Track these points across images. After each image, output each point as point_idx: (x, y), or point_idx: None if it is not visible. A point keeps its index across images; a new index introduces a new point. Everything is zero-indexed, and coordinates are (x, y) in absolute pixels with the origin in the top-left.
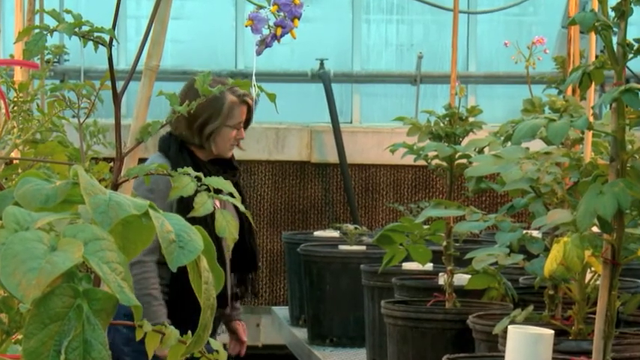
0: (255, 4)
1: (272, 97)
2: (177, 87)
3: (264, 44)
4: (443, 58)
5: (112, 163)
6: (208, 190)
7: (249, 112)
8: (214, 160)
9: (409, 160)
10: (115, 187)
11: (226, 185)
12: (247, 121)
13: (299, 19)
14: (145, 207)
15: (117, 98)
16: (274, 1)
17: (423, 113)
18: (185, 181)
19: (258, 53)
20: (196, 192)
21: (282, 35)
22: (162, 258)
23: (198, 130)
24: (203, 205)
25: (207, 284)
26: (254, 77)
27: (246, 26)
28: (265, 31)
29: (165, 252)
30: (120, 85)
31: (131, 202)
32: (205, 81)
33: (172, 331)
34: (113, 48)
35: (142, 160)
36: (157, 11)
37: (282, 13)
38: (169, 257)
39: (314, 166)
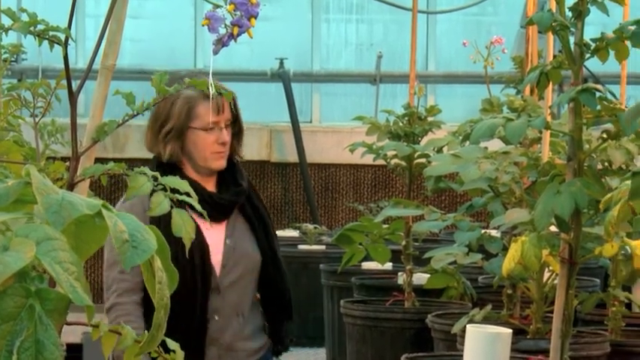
0: (212, 3)
1: (229, 96)
2: (135, 86)
3: (221, 43)
4: (402, 57)
5: (68, 163)
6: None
7: (226, 108)
8: (222, 177)
9: (368, 159)
10: (71, 186)
11: (183, 185)
12: (234, 121)
13: (256, 18)
14: (97, 207)
15: (72, 97)
16: (231, 0)
17: (383, 113)
18: (141, 181)
19: (215, 52)
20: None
21: (239, 34)
22: (142, 299)
23: (162, 141)
24: (159, 205)
25: (161, 284)
26: (211, 76)
27: (203, 25)
28: (222, 31)
29: (118, 252)
30: (77, 84)
31: (84, 201)
32: (162, 80)
33: (128, 332)
34: (71, 47)
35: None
36: (113, 10)
37: (238, 12)
38: (122, 257)
39: (273, 166)
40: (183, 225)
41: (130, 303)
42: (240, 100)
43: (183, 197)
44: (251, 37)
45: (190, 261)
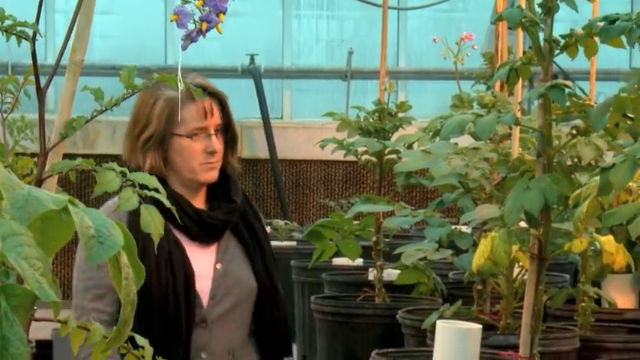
0: None
1: (198, 92)
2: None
3: (189, 39)
4: (373, 53)
5: (36, 159)
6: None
7: (215, 111)
8: (213, 191)
9: (339, 155)
10: (39, 182)
11: (151, 180)
12: (226, 126)
13: (224, 13)
14: (64, 202)
15: (41, 93)
16: None
17: (353, 109)
18: (110, 177)
19: (184, 48)
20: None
21: (207, 30)
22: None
23: (141, 150)
24: (128, 200)
25: (128, 280)
26: (179, 72)
27: (172, 21)
28: (191, 26)
29: (84, 247)
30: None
31: (50, 197)
32: (130, 75)
33: (97, 328)
34: (41, 43)
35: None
36: (81, 6)
37: (207, 8)
38: (88, 253)
39: (244, 162)
40: (151, 221)
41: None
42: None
43: (152, 193)
44: (220, 33)
45: (172, 289)
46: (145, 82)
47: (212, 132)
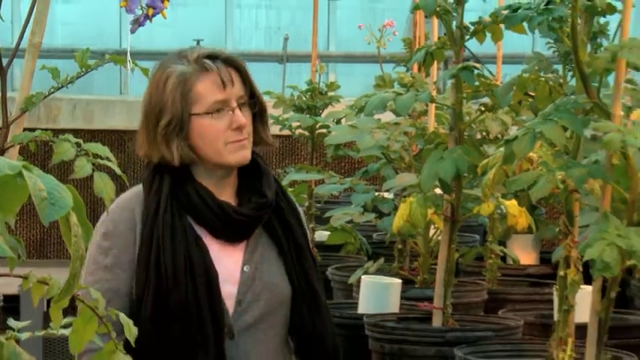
0: None
1: (145, 72)
2: (66, 64)
3: (137, 23)
4: (307, 39)
5: None
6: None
7: (236, 81)
8: (243, 183)
9: (275, 130)
10: (1, 152)
11: (104, 151)
12: (251, 97)
13: (168, 0)
14: (18, 168)
15: (2, 72)
16: None
17: (289, 88)
18: (66, 147)
19: (132, 31)
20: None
21: (153, 15)
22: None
23: (164, 140)
24: (82, 167)
25: (77, 237)
26: (129, 54)
27: (121, 7)
28: (139, 12)
29: (37, 208)
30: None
31: (7, 163)
32: (84, 56)
33: (55, 282)
34: (8, 27)
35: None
36: None
37: None
38: (42, 213)
39: None
40: (104, 187)
41: None
42: None
43: (104, 162)
44: (165, 18)
45: (193, 293)
46: (97, 62)
47: (234, 105)
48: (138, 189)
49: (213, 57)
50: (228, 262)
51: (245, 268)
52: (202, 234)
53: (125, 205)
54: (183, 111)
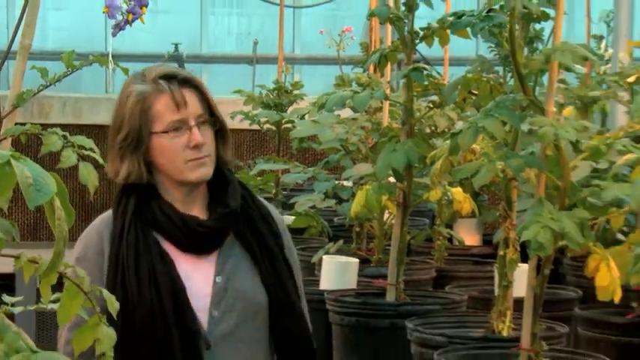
0: None
1: (125, 71)
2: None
3: (118, 27)
4: (274, 43)
5: None
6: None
7: (191, 101)
8: (213, 195)
9: (246, 124)
10: None
11: (89, 143)
12: (211, 114)
13: (146, 7)
14: (7, 157)
15: None
16: None
17: (258, 87)
18: (53, 139)
19: (114, 35)
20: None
21: (133, 20)
22: None
23: (117, 155)
24: (68, 158)
25: (60, 220)
26: (110, 55)
27: (104, 13)
28: (120, 17)
29: (24, 194)
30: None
31: None
32: (70, 57)
33: (43, 261)
34: (4, 31)
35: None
36: (29, 1)
37: (132, 2)
38: (28, 198)
39: None
40: (88, 175)
41: None
42: None
43: (89, 152)
44: (143, 23)
45: (159, 308)
46: (81, 62)
47: (192, 124)
48: (109, 213)
49: (169, 77)
50: (200, 275)
51: (217, 279)
52: (170, 249)
53: (95, 229)
54: (143, 128)
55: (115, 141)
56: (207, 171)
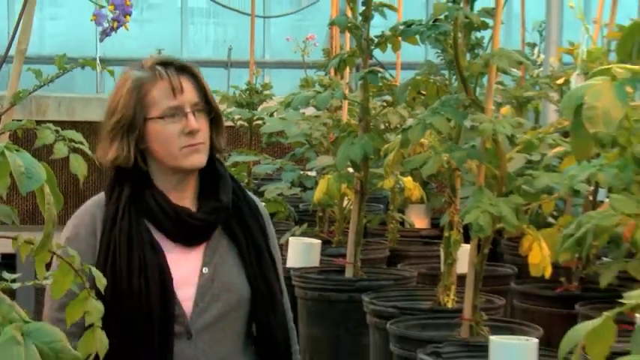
0: (97, 4)
1: (111, 73)
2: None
3: (105, 34)
4: (247, 49)
5: None
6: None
7: (187, 88)
8: (203, 187)
9: None
10: None
11: (77, 136)
12: (206, 104)
13: (130, 15)
14: (1, 148)
15: None
16: (111, 2)
17: (232, 88)
18: (47, 133)
19: (101, 40)
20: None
21: (118, 27)
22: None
23: (107, 139)
24: (60, 150)
25: (50, 204)
26: (98, 59)
27: (92, 20)
28: (106, 24)
29: (17, 181)
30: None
31: None
32: (62, 60)
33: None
34: (5, 36)
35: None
36: (25, 7)
37: (117, 11)
38: (20, 184)
39: None
40: (77, 165)
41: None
42: None
43: (78, 145)
44: (127, 30)
45: (146, 297)
46: (72, 65)
47: (188, 110)
48: (100, 196)
49: (166, 64)
50: (187, 265)
51: (204, 270)
52: (160, 238)
53: (87, 210)
54: (137, 114)
55: (108, 124)
56: (201, 158)
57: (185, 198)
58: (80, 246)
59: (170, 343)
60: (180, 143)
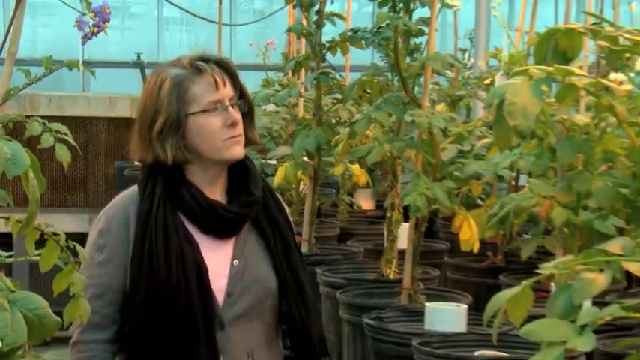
0: (79, 12)
1: (92, 72)
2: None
3: (86, 38)
4: (216, 53)
5: None
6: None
7: (226, 82)
8: (232, 182)
9: None
10: None
11: (63, 129)
12: (241, 97)
13: (108, 22)
14: None
15: None
16: (92, 9)
17: None
18: (35, 125)
19: (83, 44)
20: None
21: (97, 32)
22: (116, 333)
23: (158, 140)
24: (46, 140)
25: (33, 187)
26: (81, 60)
27: (74, 26)
28: (87, 30)
29: (4, 166)
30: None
31: None
32: (48, 61)
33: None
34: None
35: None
36: (16, 12)
37: (97, 18)
38: (7, 170)
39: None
40: (62, 154)
41: (94, 342)
42: (112, 79)
43: (63, 136)
44: (106, 35)
45: (185, 286)
46: (57, 65)
47: (227, 103)
48: (133, 189)
49: (205, 60)
50: (219, 257)
51: (234, 262)
52: (193, 231)
53: (120, 203)
54: (180, 111)
55: (154, 129)
56: (241, 150)
57: (216, 192)
58: (112, 238)
59: (213, 333)
60: (222, 135)
